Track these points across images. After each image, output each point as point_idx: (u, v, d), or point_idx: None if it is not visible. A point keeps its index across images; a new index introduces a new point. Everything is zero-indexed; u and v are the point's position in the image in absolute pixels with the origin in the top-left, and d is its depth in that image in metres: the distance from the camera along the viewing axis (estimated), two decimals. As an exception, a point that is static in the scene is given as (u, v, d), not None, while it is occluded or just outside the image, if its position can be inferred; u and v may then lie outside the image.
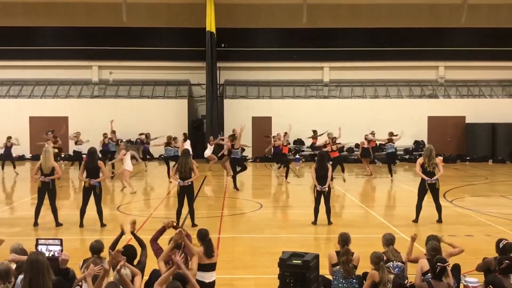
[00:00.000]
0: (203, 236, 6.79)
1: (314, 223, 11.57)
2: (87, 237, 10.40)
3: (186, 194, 11.22)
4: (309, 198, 13.94)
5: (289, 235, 10.73)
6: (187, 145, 20.60)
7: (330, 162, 14.02)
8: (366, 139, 22.01)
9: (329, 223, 11.56)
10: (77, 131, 22.76)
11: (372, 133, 22.76)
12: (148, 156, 23.09)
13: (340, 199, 15.91)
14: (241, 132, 17.52)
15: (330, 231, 10.98)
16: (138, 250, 6.49)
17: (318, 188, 11.43)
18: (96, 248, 6.14)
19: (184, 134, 22.28)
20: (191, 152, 12.27)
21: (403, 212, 12.95)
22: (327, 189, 11.47)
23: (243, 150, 17.85)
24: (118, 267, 5.30)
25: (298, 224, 11.78)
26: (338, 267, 6.51)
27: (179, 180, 11.17)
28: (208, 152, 22.37)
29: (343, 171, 19.16)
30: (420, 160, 11.69)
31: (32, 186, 17.01)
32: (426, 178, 11.47)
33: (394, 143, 20.25)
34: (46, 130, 22.14)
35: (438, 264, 5.78)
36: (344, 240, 6.68)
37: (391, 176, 19.83)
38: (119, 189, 17.15)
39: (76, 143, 22.04)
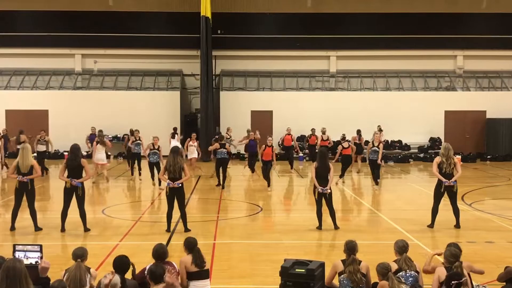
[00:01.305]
0: (192, 245, 6.83)
1: (319, 228, 11.58)
2: (69, 243, 10.42)
3: (176, 196, 11.22)
4: (314, 200, 13.94)
5: (292, 241, 10.73)
6: (175, 142, 20.42)
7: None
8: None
9: (336, 227, 11.58)
10: (42, 130, 21.89)
11: (379, 128, 22.84)
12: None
13: (347, 201, 15.93)
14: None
15: (337, 237, 10.99)
16: (131, 259, 6.48)
17: (319, 190, 11.42)
18: (79, 256, 6.15)
19: (174, 128, 22.24)
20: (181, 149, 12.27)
21: (416, 216, 12.96)
22: (329, 191, 11.48)
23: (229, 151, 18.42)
24: (107, 281, 5.34)
25: (301, 229, 11.78)
26: (344, 275, 6.52)
27: (168, 181, 11.18)
28: (194, 152, 19.65)
29: (342, 174, 18.64)
30: (437, 159, 11.66)
31: (8, 187, 17.00)
32: (443, 180, 11.45)
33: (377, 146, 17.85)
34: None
35: (453, 282, 5.78)
36: (350, 248, 6.68)
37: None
38: (104, 190, 17.16)
39: (39, 141, 21.01)
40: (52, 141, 21.21)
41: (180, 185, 11.19)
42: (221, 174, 17.53)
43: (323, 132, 21.86)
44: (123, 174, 21.42)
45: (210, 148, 18.63)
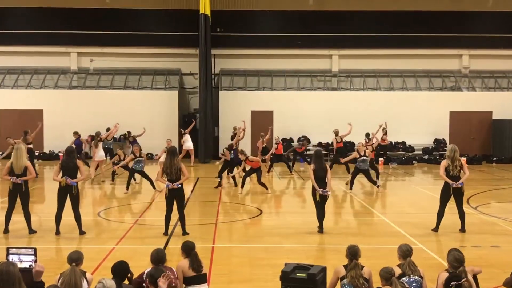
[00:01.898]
0: (189, 249, 6.85)
1: (321, 231, 11.60)
2: (64, 246, 10.43)
3: (176, 198, 11.24)
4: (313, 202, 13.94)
5: (292, 245, 10.75)
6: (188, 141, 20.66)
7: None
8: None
9: (321, 230, 11.67)
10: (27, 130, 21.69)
11: (384, 131, 22.83)
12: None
13: (348, 204, 15.93)
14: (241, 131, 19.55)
15: (339, 241, 10.97)
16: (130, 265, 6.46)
17: (320, 192, 11.44)
18: (74, 259, 6.14)
19: (179, 131, 22.25)
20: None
21: (420, 220, 12.95)
22: (329, 193, 11.49)
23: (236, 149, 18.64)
24: None
25: (302, 232, 11.79)
26: (346, 280, 6.51)
27: (167, 182, 11.18)
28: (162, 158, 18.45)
29: (377, 176, 17.76)
30: (444, 163, 11.67)
31: (2, 188, 17.00)
32: (451, 182, 11.46)
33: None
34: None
35: (453, 283, 5.78)
36: (353, 253, 6.67)
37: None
38: (100, 191, 17.15)
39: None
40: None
41: (180, 186, 11.20)
42: (224, 175, 18.46)
43: (336, 134, 21.59)
44: (121, 174, 21.40)
45: (224, 157, 18.69)
